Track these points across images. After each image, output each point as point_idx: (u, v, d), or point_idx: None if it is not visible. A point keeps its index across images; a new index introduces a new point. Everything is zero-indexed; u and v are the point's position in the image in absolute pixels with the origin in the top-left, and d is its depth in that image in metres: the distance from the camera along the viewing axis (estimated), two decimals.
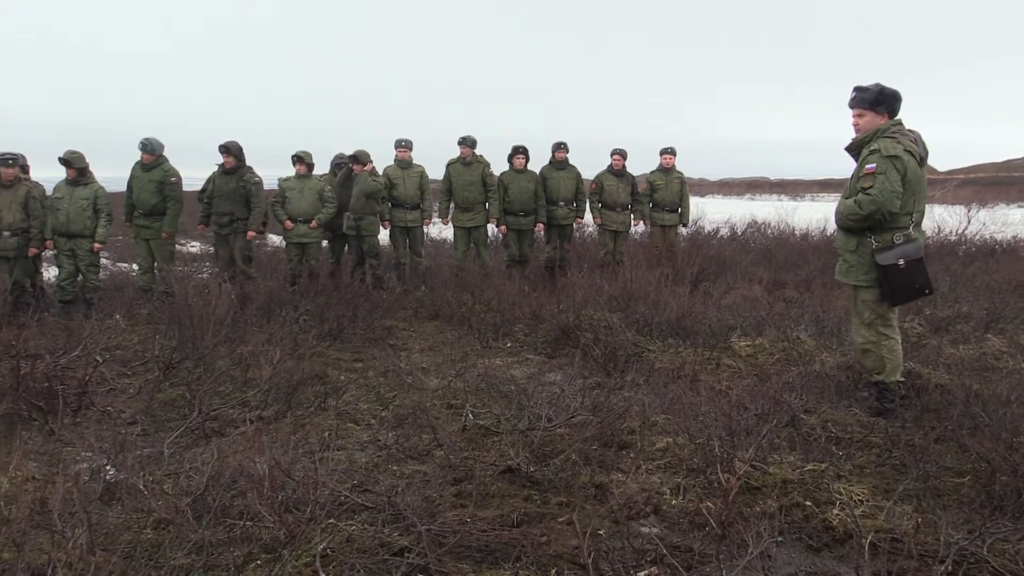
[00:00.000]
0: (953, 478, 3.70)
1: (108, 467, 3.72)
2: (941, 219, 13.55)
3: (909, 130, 4.60)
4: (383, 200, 9.15)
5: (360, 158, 8.86)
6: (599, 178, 10.01)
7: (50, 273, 9.14)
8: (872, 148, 4.54)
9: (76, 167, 7.93)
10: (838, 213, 4.71)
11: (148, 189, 8.37)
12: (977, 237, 13.05)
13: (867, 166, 4.52)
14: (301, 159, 8.78)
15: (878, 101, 4.61)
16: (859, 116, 4.68)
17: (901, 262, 4.47)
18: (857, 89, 4.68)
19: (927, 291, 4.59)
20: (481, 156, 9.61)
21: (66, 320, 7.32)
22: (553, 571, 2.89)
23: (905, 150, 4.45)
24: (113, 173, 9.72)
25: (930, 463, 3.75)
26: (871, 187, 4.46)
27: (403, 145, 9.42)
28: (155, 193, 8.37)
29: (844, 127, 4.84)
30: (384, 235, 9.51)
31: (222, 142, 8.56)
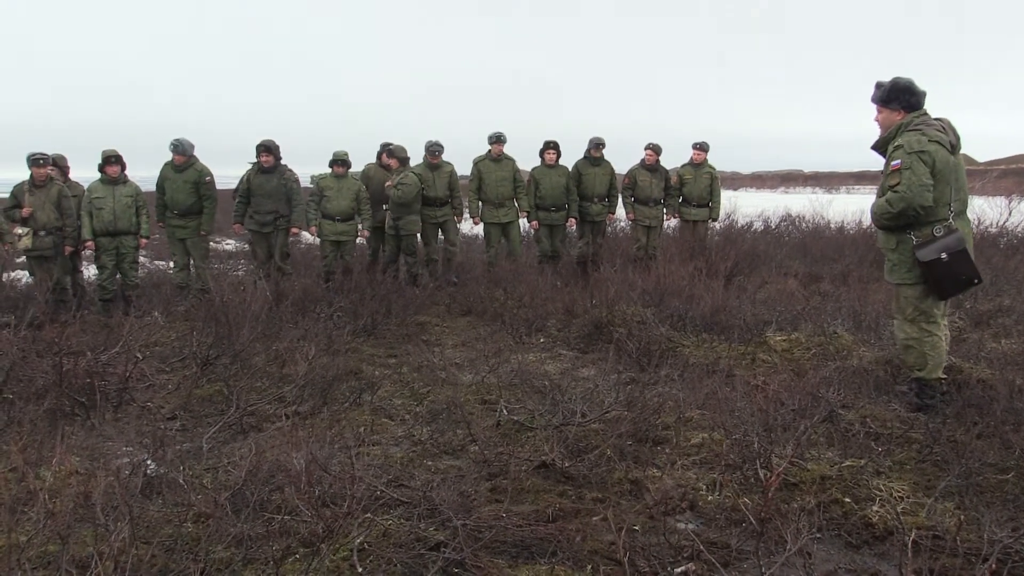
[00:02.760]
0: (996, 475, 3.63)
1: (148, 461, 3.78)
2: (981, 211, 13.27)
3: (936, 119, 4.51)
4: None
5: (396, 152, 8.98)
6: (632, 173, 9.96)
7: (89, 272, 9.30)
8: (896, 144, 4.47)
9: (121, 164, 8.12)
10: (873, 213, 4.65)
11: (183, 190, 8.48)
12: (1019, 229, 12.77)
13: (893, 163, 4.46)
14: (342, 162, 8.88)
15: (890, 97, 4.56)
16: (878, 113, 4.64)
17: (944, 256, 4.37)
18: (875, 86, 4.63)
19: (976, 280, 4.49)
20: (505, 152, 9.64)
21: (106, 318, 7.46)
22: (589, 567, 2.89)
23: (931, 141, 4.37)
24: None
25: (972, 459, 3.68)
26: (898, 184, 4.39)
27: (435, 153, 9.43)
28: (191, 193, 8.49)
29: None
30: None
31: (262, 141, 8.63)
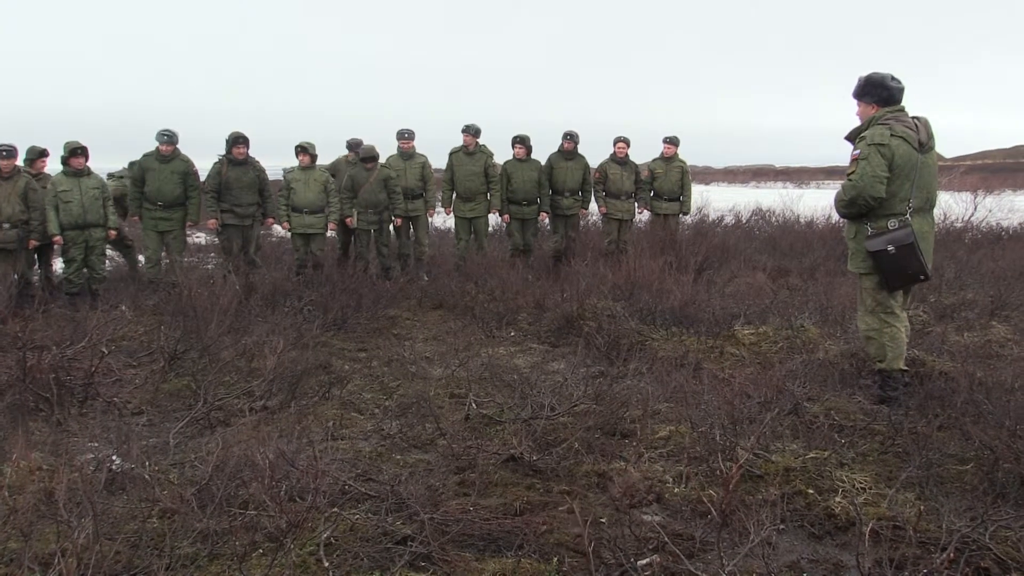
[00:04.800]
0: (956, 466, 3.70)
1: (114, 457, 3.74)
2: (947, 206, 13.49)
3: (913, 117, 4.59)
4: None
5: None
6: (603, 167, 9.98)
7: (57, 265, 9.15)
8: (861, 136, 4.57)
9: (86, 155, 7.98)
10: (833, 201, 4.79)
11: (171, 181, 8.37)
12: (983, 224, 13.00)
13: (853, 152, 4.57)
14: (305, 150, 8.72)
15: (863, 92, 4.67)
16: (857, 107, 4.73)
17: (890, 248, 4.48)
18: (856, 81, 4.74)
19: (922, 276, 4.59)
20: (484, 146, 9.57)
21: (72, 312, 7.35)
22: (555, 559, 2.90)
23: (893, 135, 4.46)
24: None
25: (933, 451, 3.75)
26: (853, 173, 4.49)
27: (405, 136, 9.41)
28: (178, 184, 8.39)
29: (850, 114, 4.87)
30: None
31: (235, 133, 8.52)
